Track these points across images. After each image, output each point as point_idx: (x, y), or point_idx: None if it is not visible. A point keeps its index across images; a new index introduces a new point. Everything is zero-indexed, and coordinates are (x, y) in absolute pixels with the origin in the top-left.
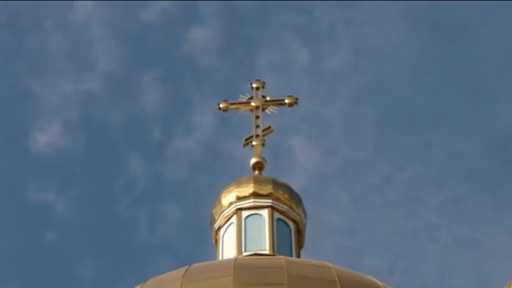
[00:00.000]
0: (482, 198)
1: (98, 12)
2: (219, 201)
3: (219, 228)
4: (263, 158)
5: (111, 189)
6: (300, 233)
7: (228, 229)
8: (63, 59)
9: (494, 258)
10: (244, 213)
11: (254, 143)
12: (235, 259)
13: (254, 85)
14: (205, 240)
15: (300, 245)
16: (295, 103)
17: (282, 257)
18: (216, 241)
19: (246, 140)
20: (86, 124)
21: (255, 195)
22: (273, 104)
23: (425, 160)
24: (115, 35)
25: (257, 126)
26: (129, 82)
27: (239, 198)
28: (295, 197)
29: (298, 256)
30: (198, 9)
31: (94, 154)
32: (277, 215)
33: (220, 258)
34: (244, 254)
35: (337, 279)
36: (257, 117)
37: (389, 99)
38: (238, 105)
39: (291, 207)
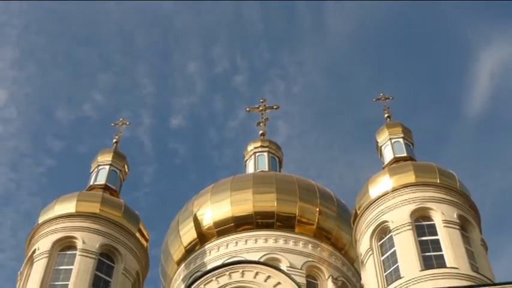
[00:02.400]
0: None
1: None
2: (246, 148)
3: (246, 160)
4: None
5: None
6: (280, 162)
7: (250, 160)
8: None
9: None
10: (257, 154)
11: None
12: (254, 173)
13: None
14: (240, 164)
15: (280, 166)
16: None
17: (273, 172)
18: (245, 165)
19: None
20: None
21: (262, 146)
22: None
23: None
24: None
25: None
26: None
27: (256, 147)
28: (279, 149)
29: (280, 171)
30: None
31: None
32: (271, 155)
33: (247, 172)
34: (257, 170)
35: (295, 180)
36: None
37: None
38: None
39: (276, 151)
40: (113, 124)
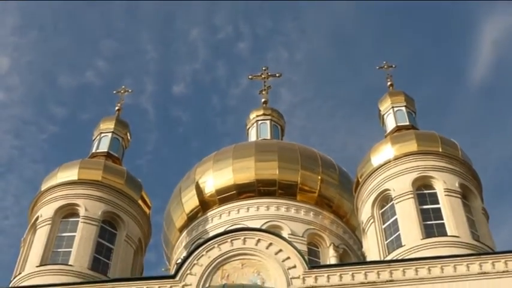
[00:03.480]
0: None
1: None
2: (248, 116)
3: (249, 128)
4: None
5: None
6: (282, 130)
7: (252, 128)
8: None
9: None
10: (259, 122)
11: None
12: (256, 141)
13: None
14: (243, 132)
15: (283, 135)
16: None
17: (275, 140)
18: (248, 133)
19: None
20: None
21: (264, 115)
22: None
23: None
24: None
25: None
26: None
27: (258, 116)
28: (281, 117)
29: (282, 139)
30: None
31: None
32: (273, 123)
33: (250, 140)
34: (259, 138)
35: (297, 148)
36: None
37: None
38: None
39: (278, 119)
40: (115, 92)
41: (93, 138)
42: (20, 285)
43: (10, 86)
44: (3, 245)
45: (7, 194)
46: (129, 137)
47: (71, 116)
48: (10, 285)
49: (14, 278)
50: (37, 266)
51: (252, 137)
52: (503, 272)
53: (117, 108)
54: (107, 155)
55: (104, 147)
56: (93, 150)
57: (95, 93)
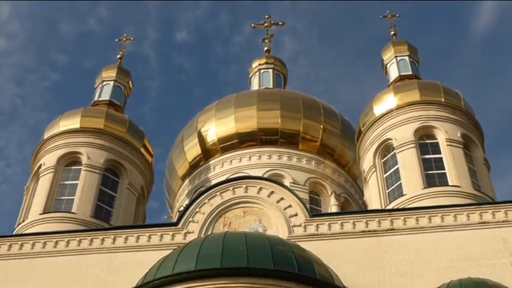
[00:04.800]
0: None
1: None
2: (251, 65)
3: (251, 77)
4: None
5: None
6: (285, 78)
7: (255, 77)
8: None
9: None
10: (262, 71)
11: (266, 48)
12: (258, 89)
13: None
14: (246, 81)
15: (285, 83)
16: None
17: (277, 89)
18: (250, 82)
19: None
20: None
21: (267, 63)
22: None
23: None
24: None
25: None
26: None
27: (260, 64)
28: (284, 66)
29: (284, 88)
30: None
31: None
32: (275, 72)
33: (252, 89)
34: (262, 87)
35: (300, 97)
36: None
37: None
38: None
39: (281, 68)
40: (117, 40)
41: (95, 87)
42: (24, 232)
43: (11, 34)
44: (6, 193)
45: (10, 142)
46: (131, 85)
47: (73, 63)
48: (14, 233)
49: (17, 226)
50: (40, 214)
51: (255, 85)
52: (503, 221)
53: (119, 56)
54: (109, 103)
55: (106, 95)
56: (95, 99)
57: (97, 41)
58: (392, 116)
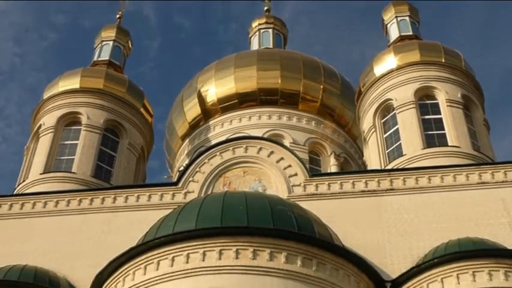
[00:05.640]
0: None
1: None
2: (251, 24)
3: (251, 37)
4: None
5: None
6: (285, 39)
7: (254, 36)
8: None
9: None
10: (262, 30)
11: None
12: (258, 49)
13: None
14: (246, 40)
15: (285, 44)
16: None
17: (277, 49)
18: (250, 41)
19: None
20: None
21: (267, 23)
22: None
23: None
24: None
25: None
26: None
27: (260, 24)
28: (284, 26)
29: (284, 48)
30: None
31: None
32: (275, 31)
33: (252, 49)
34: (262, 47)
35: (300, 57)
36: None
37: None
38: None
39: (281, 28)
40: None
41: (95, 47)
42: (24, 192)
43: None
44: (6, 153)
45: (9, 102)
46: (130, 45)
47: (72, 23)
48: (14, 193)
49: (18, 186)
50: (40, 174)
51: (254, 45)
52: (502, 182)
53: (118, 16)
54: (109, 63)
55: (105, 55)
56: (95, 59)
57: (96, 1)
58: (393, 77)
